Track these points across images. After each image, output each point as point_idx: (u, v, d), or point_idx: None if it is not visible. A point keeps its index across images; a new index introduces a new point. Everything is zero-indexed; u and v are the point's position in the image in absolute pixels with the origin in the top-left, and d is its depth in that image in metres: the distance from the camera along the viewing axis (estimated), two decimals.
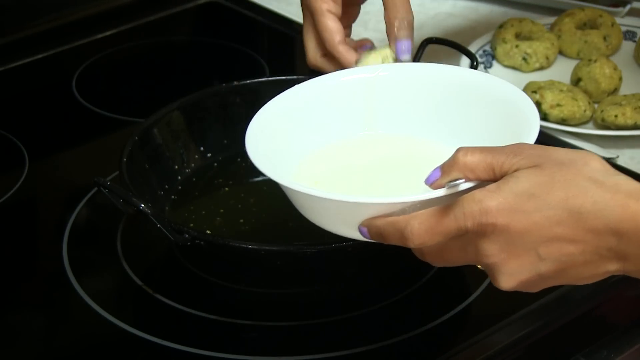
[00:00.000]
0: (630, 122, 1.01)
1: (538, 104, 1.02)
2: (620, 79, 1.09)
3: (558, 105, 1.02)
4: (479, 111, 0.76)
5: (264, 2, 1.35)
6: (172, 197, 0.90)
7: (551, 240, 0.58)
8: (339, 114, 0.80)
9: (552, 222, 0.57)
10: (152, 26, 1.33)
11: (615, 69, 1.09)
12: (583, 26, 1.19)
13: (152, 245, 0.88)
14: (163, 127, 0.92)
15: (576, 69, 1.10)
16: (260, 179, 0.93)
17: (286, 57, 1.30)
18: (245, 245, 0.76)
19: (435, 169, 0.62)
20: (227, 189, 0.92)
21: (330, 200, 0.64)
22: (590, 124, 1.05)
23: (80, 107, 1.13)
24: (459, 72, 0.79)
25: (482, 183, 0.61)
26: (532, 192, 0.57)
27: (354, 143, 0.80)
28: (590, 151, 0.60)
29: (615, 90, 1.09)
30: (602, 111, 1.03)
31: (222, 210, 0.89)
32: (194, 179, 0.93)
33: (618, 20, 1.20)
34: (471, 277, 0.84)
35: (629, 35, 1.21)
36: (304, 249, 0.76)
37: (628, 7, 1.26)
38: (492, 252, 0.59)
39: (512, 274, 0.60)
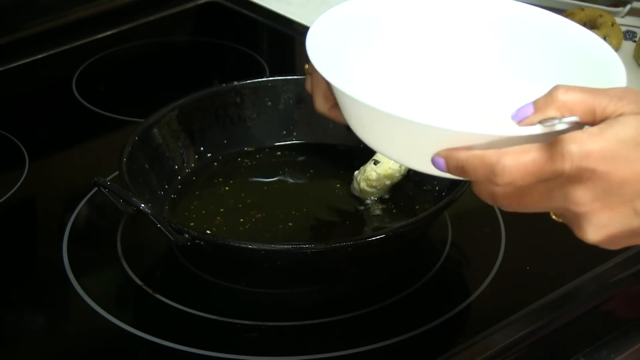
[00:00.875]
0: None
1: None
2: None
3: None
4: (565, 58, 0.70)
5: (264, 2, 1.35)
6: (172, 196, 0.90)
7: None
8: (417, 34, 0.73)
9: None
10: (152, 26, 1.33)
11: None
12: (583, 26, 1.19)
13: (152, 245, 0.88)
14: (163, 127, 0.92)
15: None
16: (260, 179, 0.93)
17: (286, 57, 1.30)
18: (245, 245, 0.76)
19: (526, 105, 0.57)
20: (227, 188, 0.92)
21: (406, 121, 0.57)
22: None
23: (80, 107, 1.13)
24: (550, 17, 0.73)
25: (580, 124, 0.56)
26: (638, 141, 0.53)
27: (429, 71, 0.73)
28: None
29: None
30: None
31: (222, 210, 0.89)
32: (194, 179, 0.93)
33: (618, 20, 1.20)
34: (471, 277, 0.84)
35: (629, 35, 1.21)
36: (304, 249, 0.76)
37: (628, 7, 1.26)
38: (584, 201, 0.55)
39: (602, 226, 0.55)
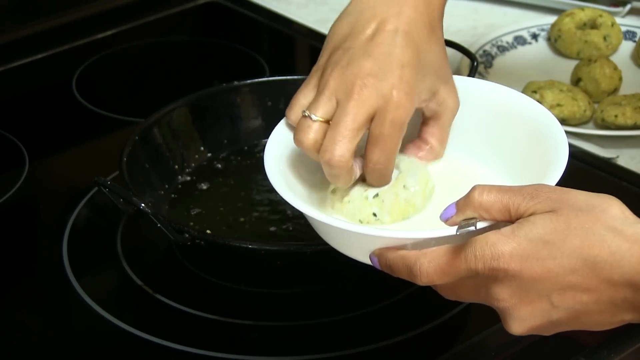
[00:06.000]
0: (630, 122, 1.01)
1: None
2: (620, 79, 1.09)
3: (558, 105, 1.03)
4: (513, 135, 0.73)
5: (264, 2, 1.35)
6: (172, 196, 0.90)
7: (565, 288, 0.57)
8: None
9: (566, 271, 0.56)
10: (152, 26, 1.33)
11: (615, 69, 1.09)
12: (583, 26, 1.19)
13: (152, 245, 0.88)
14: (163, 127, 0.92)
15: (576, 69, 1.11)
16: (260, 178, 0.93)
17: (286, 57, 1.30)
18: (245, 245, 0.76)
19: (450, 205, 0.60)
20: (227, 188, 0.92)
21: (341, 229, 0.63)
22: (590, 124, 1.05)
23: (80, 107, 1.13)
24: (498, 90, 0.75)
25: (497, 223, 0.59)
26: (547, 239, 0.56)
27: None
28: (611, 196, 0.58)
29: (615, 90, 1.09)
30: (602, 111, 1.03)
31: (222, 209, 0.89)
32: (194, 178, 0.93)
33: (618, 20, 1.20)
34: None
35: (629, 35, 1.21)
36: (304, 249, 0.76)
37: (628, 7, 1.26)
38: (503, 297, 0.58)
39: (523, 319, 0.58)
